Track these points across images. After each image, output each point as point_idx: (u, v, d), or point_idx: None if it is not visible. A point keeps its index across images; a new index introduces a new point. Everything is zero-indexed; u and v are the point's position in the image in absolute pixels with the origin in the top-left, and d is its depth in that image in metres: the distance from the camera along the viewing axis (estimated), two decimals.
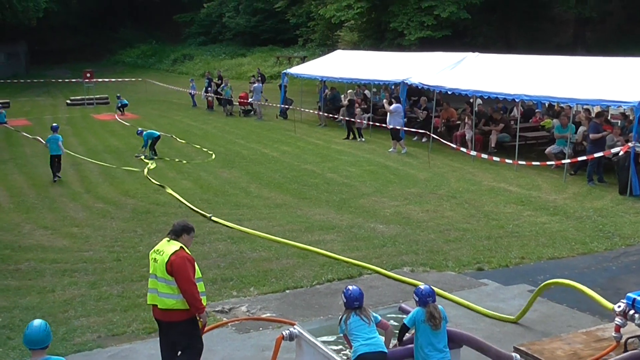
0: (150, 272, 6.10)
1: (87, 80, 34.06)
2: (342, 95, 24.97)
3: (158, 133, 20.04)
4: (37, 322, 4.58)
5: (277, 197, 14.58)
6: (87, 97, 34.46)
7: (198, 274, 6.08)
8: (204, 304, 6.05)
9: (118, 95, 31.52)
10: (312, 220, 12.53)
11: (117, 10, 63.87)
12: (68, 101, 34.85)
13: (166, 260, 5.87)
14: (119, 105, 30.55)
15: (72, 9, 55.38)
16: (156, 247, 6.10)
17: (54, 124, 17.69)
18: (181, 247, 6.00)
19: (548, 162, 16.28)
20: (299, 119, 26.52)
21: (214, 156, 19.59)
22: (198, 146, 21.56)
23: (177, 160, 19.11)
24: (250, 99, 28.86)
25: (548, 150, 17.27)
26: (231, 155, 19.90)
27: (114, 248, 11.08)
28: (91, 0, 60.05)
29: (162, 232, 10.25)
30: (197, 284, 5.95)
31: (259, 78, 30.51)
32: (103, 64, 58.72)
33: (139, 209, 13.66)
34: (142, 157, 19.55)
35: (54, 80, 43.66)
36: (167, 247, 6.01)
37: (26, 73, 51.79)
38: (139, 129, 20.93)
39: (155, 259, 6.03)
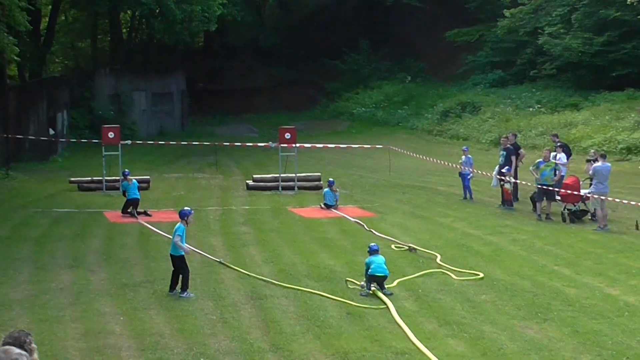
0: None
1: (282, 144, 32.52)
2: None
3: (384, 270, 18.77)
4: None
5: None
6: (283, 174, 33.20)
7: None
8: None
9: (331, 180, 30.01)
10: None
11: (340, 19, 61.88)
12: (250, 182, 33.11)
13: None
14: (328, 191, 29.39)
15: (263, 21, 55.28)
16: None
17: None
18: None
19: None
20: None
21: (507, 294, 18.29)
22: (478, 275, 19.81)
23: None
24: (583, 191, 26.53)
25: None
26: (543, 295, 18.50)
27: None
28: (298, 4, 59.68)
29: None
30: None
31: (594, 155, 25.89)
32: (309, 114, 60.36)
33: None
34: (363, 287, 18.59)
35: (225, 144, 41.02)
36: None
37: (181, 127, 50.99)
38: (372, 245, 19.43)
39: None
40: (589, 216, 26.72)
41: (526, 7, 52.99)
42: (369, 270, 18.80)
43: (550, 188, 27.42)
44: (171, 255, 18.22)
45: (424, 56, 66.61)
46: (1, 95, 37.59)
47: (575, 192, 26.65)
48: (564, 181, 27.55)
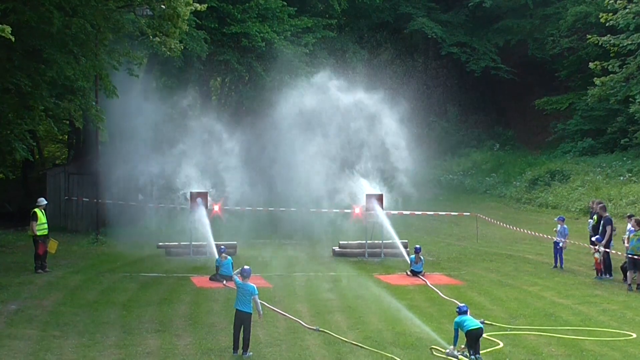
0: None
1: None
2: None
3: (478, 324, 18.56)
4: None
5: None
6: (369, 240, 33.06)
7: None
8: None
9: (418, 247, 29.91)
10: None
11: (430, 86, 61.75)
12: (336, 248, 33.77)
13: None
14: (413, 260, 29.35)
15: None
16: None
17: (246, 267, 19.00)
18: None
19: None
20: None
21: None
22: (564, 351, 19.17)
23: None
24: None
25: None
26: None
27: None
28: None
29: None
30: None
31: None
32: None
33: None
34: (459, 355, 18.27)
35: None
36: None
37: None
38: (461, 305, 19.38)
39: None
40: None
41: (617, 75, 52.18)
42: (464, 327, 18.38)
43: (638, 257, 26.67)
44: (241, 311, 18.28)
45: (514, 124, 66.06)
46: (92, 161, 38.59)
47: None
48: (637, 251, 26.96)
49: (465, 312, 18.60)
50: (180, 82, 53.58)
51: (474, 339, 18.01)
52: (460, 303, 19.93)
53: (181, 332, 20.02)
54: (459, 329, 18.31)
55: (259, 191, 36.41)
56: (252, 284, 18.49)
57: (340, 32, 61.73)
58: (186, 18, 33.35)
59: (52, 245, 29.48)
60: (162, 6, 31.82)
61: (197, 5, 33.29)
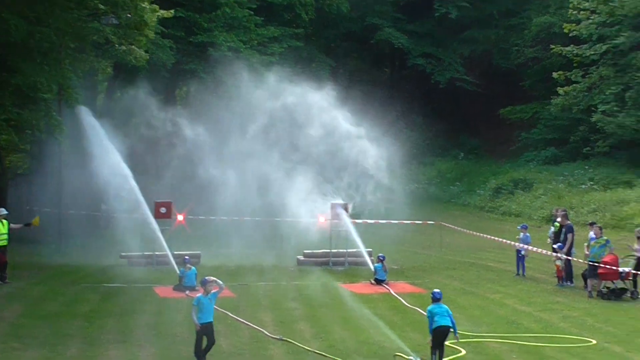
0: None
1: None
2: None
3: (448, 321, 18.46)
4: None
5: None
6: (338, 250, 33.43)
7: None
8: None
9: (381, 255, 29.85)
10: None
11: (396, 96, 62.40)
12: (300, 257, 33.73)
13: None
14: (379, 266, 29.31)
15: None
16: None
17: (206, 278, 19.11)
18: None
19: None
20: None
21: None
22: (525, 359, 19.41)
23: None
24: (623, 269, 26.46)
25: None
26: None
27: None
28: None
29: None
30: None
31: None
32: None
33: None
34: None
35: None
36: None
37: None
38: (435, 291, 19.12)
39: None
40: (628, 294, 26.40)
41: (580, 85, 52.74)
42: (433, 322, 18.31)
43: (599, 265, 27.10)
44: (207, 323, 18.27)
45: (478, 133, 66.52)
46: (54, 171, 38.32)
47: (614, 268, 26.38)
48: (603, 259, 27.21)
49: (438, 300, 18.53)
50: (145, 91, 53.51)
51: (439, 337, 18.01)
52: (438, 297, 19.77)
53: (143, 343, 19.91)
54: (432, 318, 18.39)
55: (223, 200, 36.33)
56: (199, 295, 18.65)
57: (307, 41, 61.92)
58: (153, 26, 33.33)
59: (36, 220, 30.01)
60: (129, 15, 31.76)
61: (164, 12, 33.32)
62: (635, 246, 27.07)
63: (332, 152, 36.01)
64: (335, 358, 18.71)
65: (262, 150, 35.77)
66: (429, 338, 18.12)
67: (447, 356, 18.34)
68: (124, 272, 30.55)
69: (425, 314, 19.54)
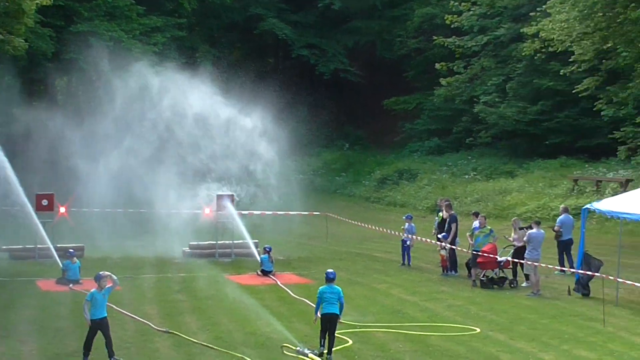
0: None
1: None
2: None
3: (335, 309, 18.70)
4: None
5: None
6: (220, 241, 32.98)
7: None
8: None
9: (268, 246, 29.87)
10: None
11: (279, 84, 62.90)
12: (186, 249, 33.46)
13: None
14: (265, 257, 29.40)
15: None
16: None
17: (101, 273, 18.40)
18: None
19: None
20: (613, 296, 24.69)
21: None
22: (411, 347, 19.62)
23: None
24: (501, 258, 26.92)
25: None
26: None
27: None
28: None
29: None
30: None
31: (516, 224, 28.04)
32: None
33: None
34: (309, 354, 18.40)
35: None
36: None
37: None
38: (329, 271, 19.35)
39: None
40: (507, 283, 26.95)
41: (462, 76, 53.84)
42: (322, 308, 18.39)
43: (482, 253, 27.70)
44: (102, 318, 17.89)
45: (363, 124, 67.18)
46: None
47: (492, 257, 26.92)
48: (482, 248, 27.80)
49: (331, 280, 18.61)
50: (25, 81, 52.38)
51: (325, 323, 18.15)
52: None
53: (26, 338, 19.45)
54: (320, 300, 18.44)
55: (108, 192, 35.79)
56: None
57: (191, 31, 61.48)
58: (32, 14, 32.54)
59: None
60: (6, 3, 30.94)
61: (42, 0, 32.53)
62: (513, 235, 27.88)
63: (215, 141, 35.86)
64: (222, 349, 18.70)
65: (143, 142, 35.40)
66: (315, 317, 18.35)
67: (334, 346, 18.41)
68: (5, 265, 29.79)
69: (313, 305, 19.71)
